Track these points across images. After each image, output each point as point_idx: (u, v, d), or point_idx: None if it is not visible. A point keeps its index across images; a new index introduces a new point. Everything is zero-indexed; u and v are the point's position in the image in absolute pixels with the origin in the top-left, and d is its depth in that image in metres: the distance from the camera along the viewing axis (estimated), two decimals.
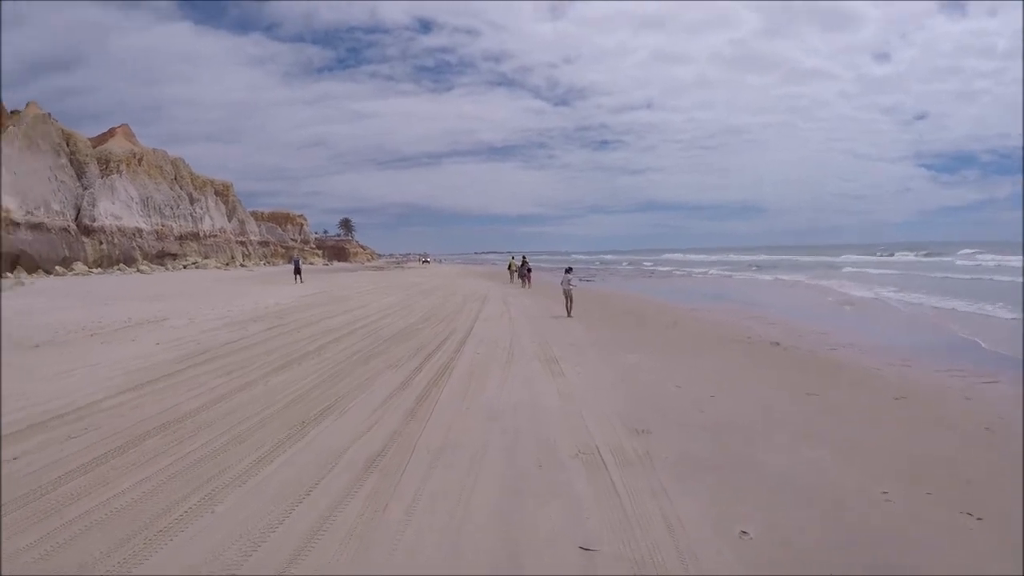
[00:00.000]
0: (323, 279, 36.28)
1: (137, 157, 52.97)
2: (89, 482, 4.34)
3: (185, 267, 52.94)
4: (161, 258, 52.09)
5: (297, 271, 32.04)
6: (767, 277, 34.03)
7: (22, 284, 28.94)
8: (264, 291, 24.88)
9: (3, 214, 30.39)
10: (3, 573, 3.00)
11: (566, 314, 14.35)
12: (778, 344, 10.21)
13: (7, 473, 4.49)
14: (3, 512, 3.77)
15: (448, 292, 23.50)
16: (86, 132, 51.33)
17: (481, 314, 15.24)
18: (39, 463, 4.71)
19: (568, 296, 14.67)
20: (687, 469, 4.37)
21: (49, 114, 44.76)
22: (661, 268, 52.42)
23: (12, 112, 42.10)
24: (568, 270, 15.65)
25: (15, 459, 4.80)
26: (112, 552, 3.33)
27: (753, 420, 5.64)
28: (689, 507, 3.70)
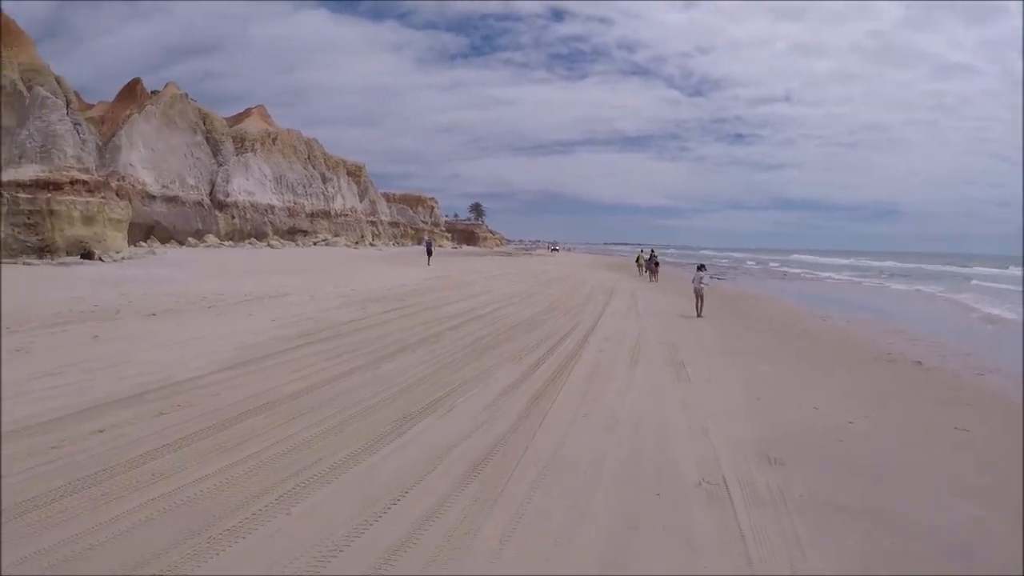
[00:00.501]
0: (450, 262, 43.92)
1: (272, 137, 69.06)
2: (167, 465, 5.19)
3: (315, 244, 66.93)
4: (292, 234, 66.18)
5: (429, 252, 40.67)
6: (900, 286, 39.65)
7: (153, 253, 38.34)
8: (389, 271, 30.50)
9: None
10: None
11: (695, 313, 17.22)
12: (920, 364, 11.66)
13: (88, 445, 5.66)
14: (68, 491, 4.74)
15: (575, 282, 28.46)
16: (225, 114, 68.77)
17: (608, 308, 18.28)
18: (122, 439, 5.83)
19: (699, 295, 17.53)
20: (824, 515, 4.81)
21: (186, 94, 59.20)
22: (790, 269, 64.08)
23: (152, 92, 57.41)
24: (700, 267, 18.77)
25: (100, 431, 6.02)
26: (170, 549, 3.88)
27: (899, 458, 6.27)
28: (825, 564, 4.09)
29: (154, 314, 13.93)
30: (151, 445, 5.71)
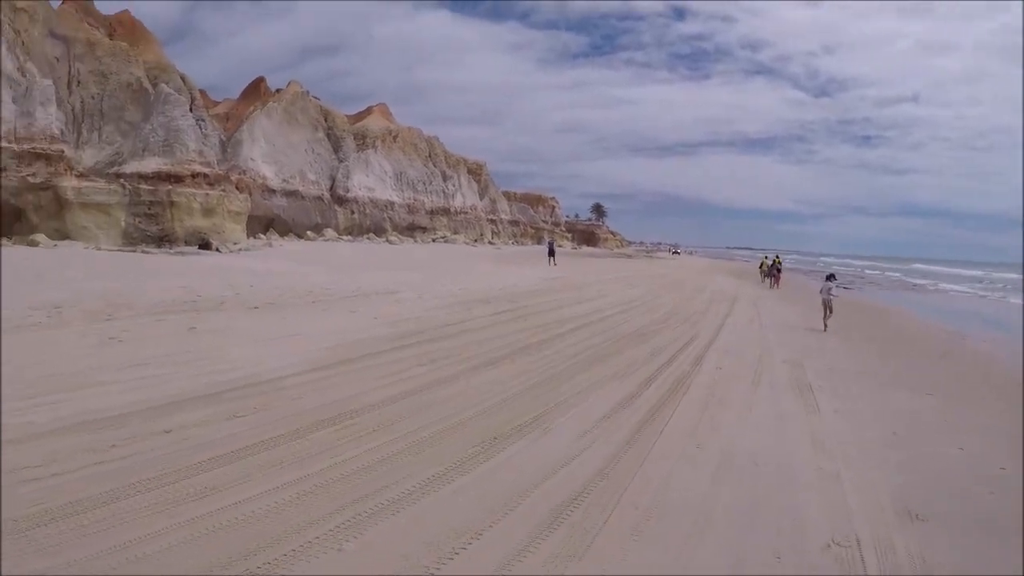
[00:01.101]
0: (568, 263, 44.14)
1: (392, 134, 73.86)
2: (221, 478, 4.96)
3: (434, 240, 70.64)
4: (411, 230, 70.14)
5: (551, 253, 42.05)
6: None
7: (270, 246, 41.10)
8: (504, 271, 31.23)
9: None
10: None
11: (822, 327, 16.96)
12: None
13: (149, 447, 5.58)
14: (117, 496, 4.60)
15: (695, 288, 28.58)
16: (348, 112, 74.17)
17: (729, 318, 18.11)
18: (186, 443, 5.70)
19: (827, 307, 17.30)
20: None
21: (307, 92, 63.83)
22: (915, 280, 63.10)
23: (277, 91, 62.25)
24: (830, 277, 18.48)
25: (167, 432, 5.94)
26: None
27: None
28: None
29: (256, 307, 14.52)
30: (213, 452, 5.54)
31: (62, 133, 34.98)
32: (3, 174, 30.95)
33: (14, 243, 29.00)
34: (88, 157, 36.58)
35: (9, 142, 31.57)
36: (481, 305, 16.53)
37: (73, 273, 19.68)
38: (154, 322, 12.06)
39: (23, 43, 35.19)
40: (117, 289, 16.31)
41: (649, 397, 8.31)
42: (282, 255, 34.67)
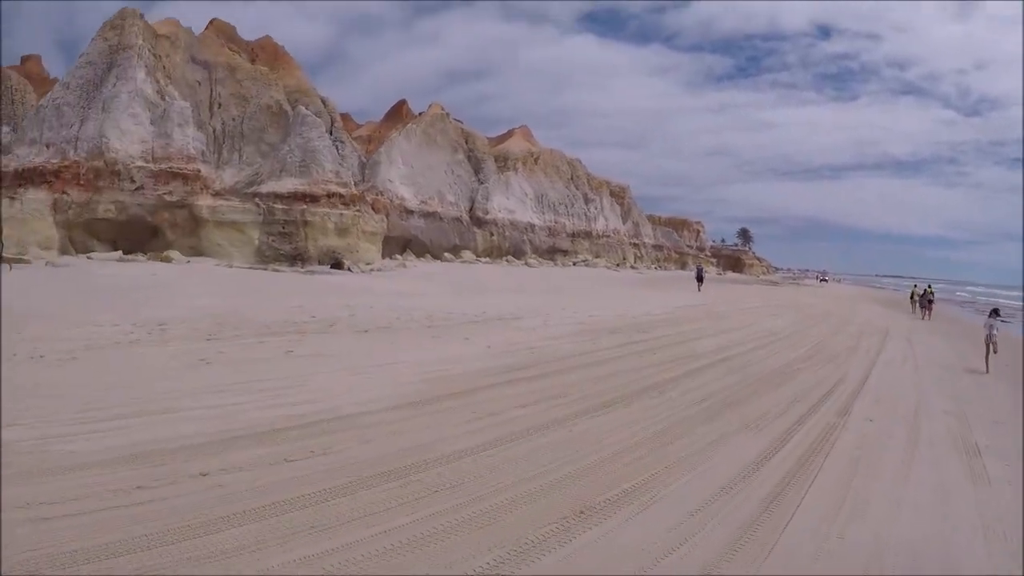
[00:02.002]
0: (712, 290, 43.30)
1: (534, 156, 76.46)
2: (236, 540, 4.38)
3: (575, 264, 71.70)
4: (552, 253, 71.69)
5: (699, 279, 43.07)
6: None
7: (404, 266, 42.68)
8: (643, 297, 30.95)
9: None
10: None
11: (984, 368, 15.80)
12: None
13: (174, 493, 5.14)
14: (109, 551, 4.16)
15: (842, 319, 27.52)
16: (493, 135, 77.93)
17: (880, 355, 17.00)
18: (218, 490, 5.21)
19: (990, 345, 16.36)
20: None
21: (447, 113, 66.86)
22: None
23: (420, 114, 65.49)
24: (994, 312, 17.98)
25: (203, 475, 5.49)
26: None
27: None
28: None
29: (367, 331, 14.50)
30: (236, 507, 4.97)
31: (203, 154, 38.35)
32: (141, 193, 33.39)
33: (148, 259, 31.05)
34: (228, 177, 39.54)
35: (146, 161, 34.47)
36: (608, 335, 15.78)
37: (195, 290, 20.74)
38: (255, 344, 12.21)
39: (164, 68, 38.98)
40: (231, 307, 16.95)
41: (783, 459, 7.10)
42: (414, 276, 35.75)
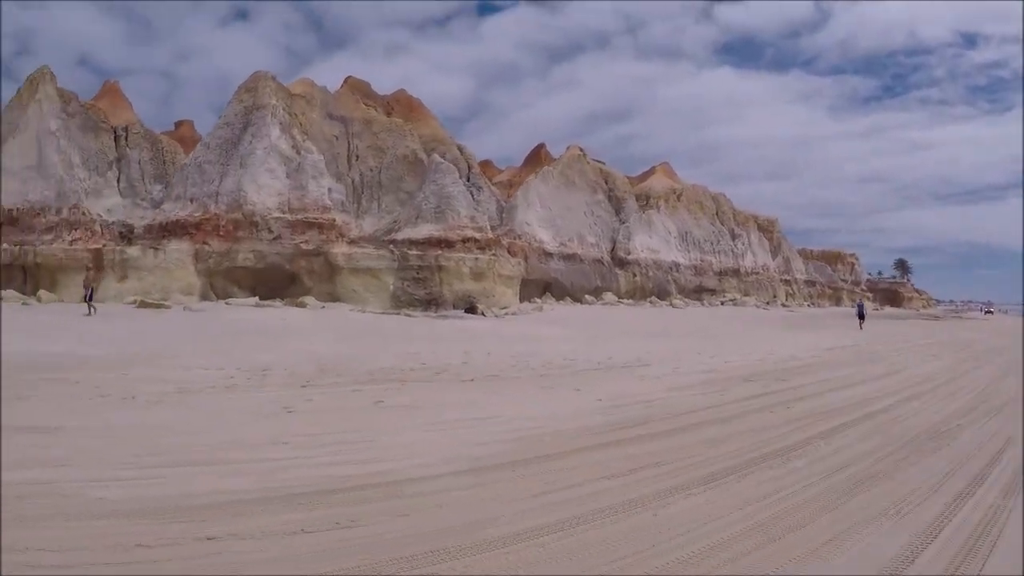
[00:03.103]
0: (866, 327, 40.15)
1: (676, 193, 76.30)
2: None
3: (722, 303, 69.52)
4: (698, 293, 70.07)
5: (861, 316, 42.39)
6: None
7: (540, 310, 42.48)
8: (790, 337, 29.07)
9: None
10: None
11: None
12: None
13: (167, 555, 4.65)
14: None
15: (1012, 359, 23.97)
16: (634, 175, 78.20)
17: None
18: (218, 556, 4.68)
19: None
20: None
21: (585, 154, 67.80)
22: None
23: (558, 157, 67.17)
24: None
25: (210, 539, 4.98)
26: None
27: None
28: None
29: (472, 380, 13.93)
30: None
31: (343, 204, 40.99)
32: (279, 242, 35.48)
33: (284, 304, 32.48)
34: (368, 225, 41.79)
35: (283, 212, 36.95)
36: (741, 384, 14.30)
37: (315, 335, 21.18)
38: (348, 392, 11.94)
39: (300, 124, 42.15)
40: (343, 352, 17.04)
41: (929, 564, 5.35)
42: (548, 320, 35.36)
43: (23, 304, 30.53)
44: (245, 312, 29.15)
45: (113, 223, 38.38)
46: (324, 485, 6.40)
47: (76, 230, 36.82)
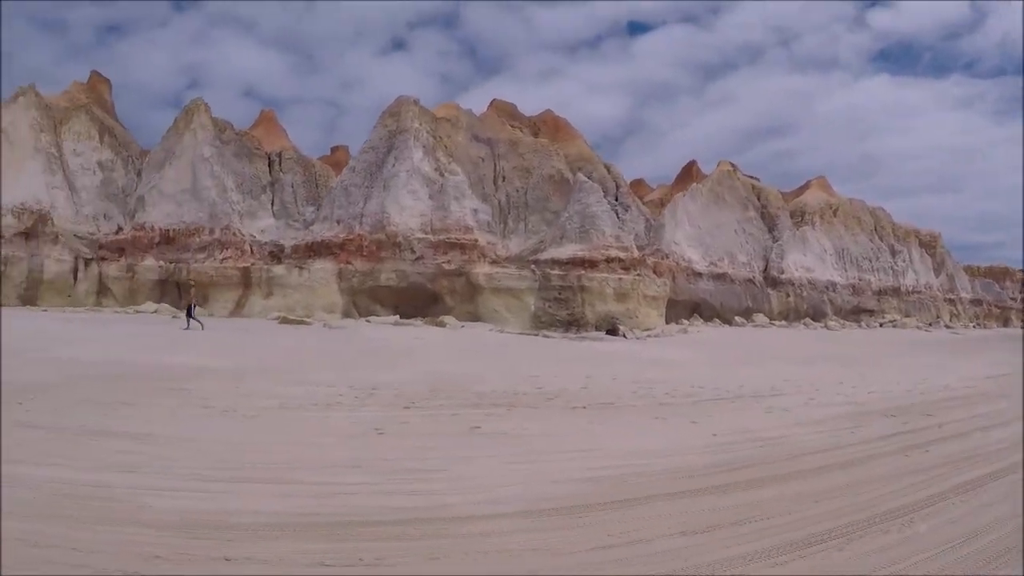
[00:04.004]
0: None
1: (832, 208, 72.83)
2: None
3: (880, 325, 64.82)
4: (856, 314, 65.95)
5: None
6: None
7: (685, 332, 40.87)
8: (949, 363, 26.85)
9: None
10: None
11: None
12: None
13: (173, 570, 4.58)
14: None
15: None
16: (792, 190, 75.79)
17: None
18: None
19: None
20: None
21: (735, 169, 65.92)
22: None
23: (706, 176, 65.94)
24: None
25: (227, 560, 4.90)
26: None
27: None
28: None
29: (585, 407, 13.24)
30: None
31: (489, 225, 41.91)
32: (421, 262, 36.88)
33: (425, 323, 33.21)
34: (515, 245, 42.39)
35: (425, 233, 38.45)
36: (879, 420, 12.82)
37: (441, 354, 21.54)
38: (447, 416, 11.67)
39: (445, 147, 43.74)
40: (461, 373, 17.07)
41: None
42: (690, 342, 34.16)
43: (173, 317, 33.62)
44: (382, 330, 30.17)
45: (265, 243, 41.53)
46: (369, 516, 6.19)
47: (227, 249, 40.36)
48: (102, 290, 41.16)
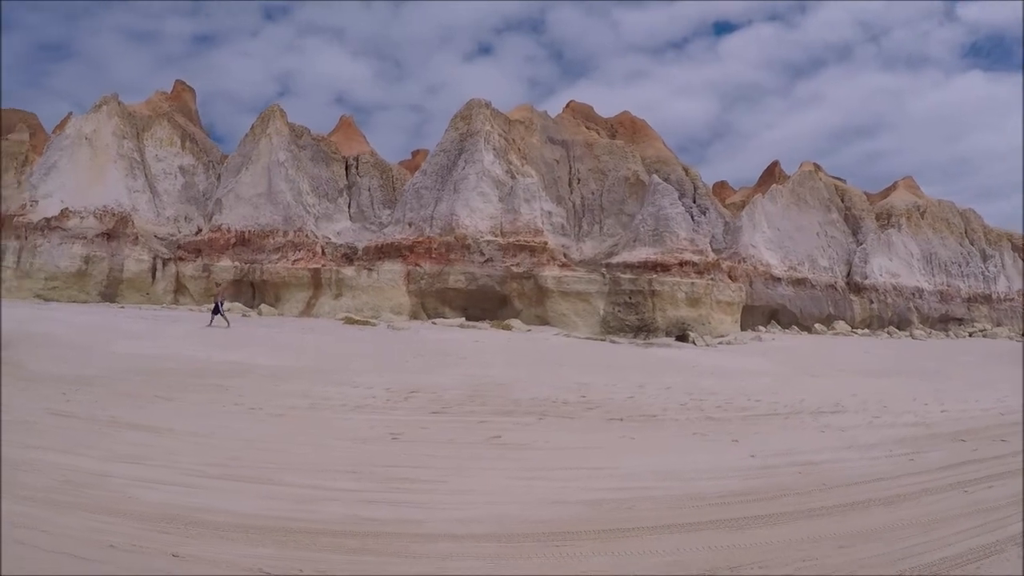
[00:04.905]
0: None
1: (920, 210, 69.61)
2: None
3: (970, 334, 60.94)
4: (944, 323, 62.65)
5: None
6: None
7: (759, 339, 39.01)
8: None
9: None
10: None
11: None
12: None
13: (116, 558, 4.76)
14: None
15: None
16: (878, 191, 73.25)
17: None
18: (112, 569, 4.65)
19: None
20: None
21: (818, 169, 63.87)
22: None
23: (787, 177, 64.01)
24: None
25: (174, 556, 4.97)
26: None
27: None
28: None
29: (622, 419, 12.79)
30: None
31: (563, 228, 42.18)
32: (490, 264, 37.25)
33: (492, 326, 33.30)
34: (589, 248, 42.44)
35: (495, 235, 38.63)
36: (945, 445, 11.58)
37: (493, 358, 21.44)
38: (474, 423, 11.56)
39: (519, 149, 44.11)
40: (506, 378, 16.87)
41: None
42: (761, 351, 32.62)
43: (243, 315, 35.02)
44: (444, 332, 30.38)
45: (340, 245, 42.83)
46: (335, 525, 6.20)
47: (300, 251, 41.75)
48: (179, 288, 43.40)
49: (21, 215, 42.69)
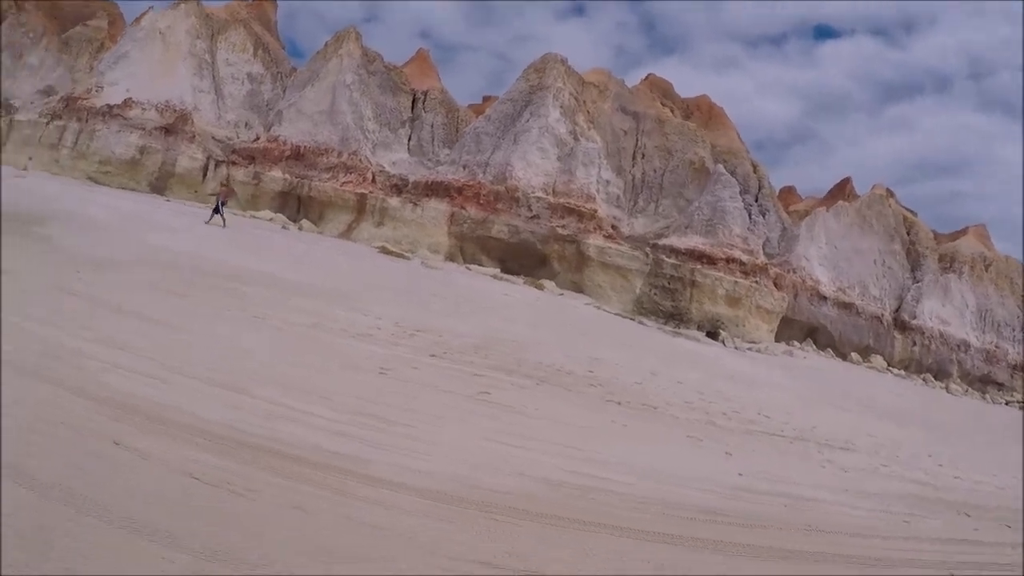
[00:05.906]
0: None
1: (985, 262, 66.15)
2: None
3: (1007, 403, 57.80)
4: (983, 383, 59.24)
5: None
6: None
7: (790, 355, 37.97)
8: None
9: None
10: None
11: None
12: None
13: (68, 437, 4.63)
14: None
15: None
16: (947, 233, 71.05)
17: None
18: (98, 458, 4.59)
19: None
20: None
21: (890, 194, 61.43)
22: None
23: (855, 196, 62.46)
24: None
25: (116, 444, 4.95)
26: None
27: None
28: None
29: (620, 403, 12.52)
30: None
31: (618, 199, 41.69)
32: (535, 221, 36.74)
33: (524, 283, 33.24)
34: (640, 225, 41.87)
35: (546, 193, 38.09)
36: (944, 514, 10.80)
37: (521, 316, 21.05)
38: (468, 375, 11.45)
39: (588, 112, 43.40)
40: (521, 337, 16.65)
41: None
42: (789, 366, 31.52)
43: (283, 227, 35.58)
44: (477, 279, 30.36)
45: (393, 175, 42.70)
46: (289, 448, 6.16)
47: (351, 173, 41.73)
48: (227, 192, 43.74)
49: (86, 99, 43.88)
